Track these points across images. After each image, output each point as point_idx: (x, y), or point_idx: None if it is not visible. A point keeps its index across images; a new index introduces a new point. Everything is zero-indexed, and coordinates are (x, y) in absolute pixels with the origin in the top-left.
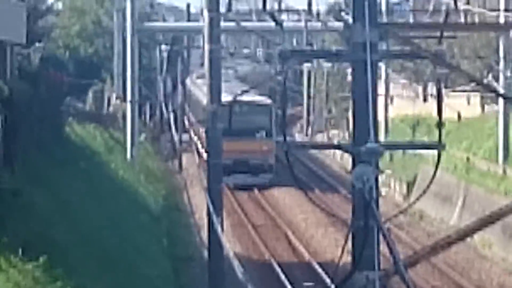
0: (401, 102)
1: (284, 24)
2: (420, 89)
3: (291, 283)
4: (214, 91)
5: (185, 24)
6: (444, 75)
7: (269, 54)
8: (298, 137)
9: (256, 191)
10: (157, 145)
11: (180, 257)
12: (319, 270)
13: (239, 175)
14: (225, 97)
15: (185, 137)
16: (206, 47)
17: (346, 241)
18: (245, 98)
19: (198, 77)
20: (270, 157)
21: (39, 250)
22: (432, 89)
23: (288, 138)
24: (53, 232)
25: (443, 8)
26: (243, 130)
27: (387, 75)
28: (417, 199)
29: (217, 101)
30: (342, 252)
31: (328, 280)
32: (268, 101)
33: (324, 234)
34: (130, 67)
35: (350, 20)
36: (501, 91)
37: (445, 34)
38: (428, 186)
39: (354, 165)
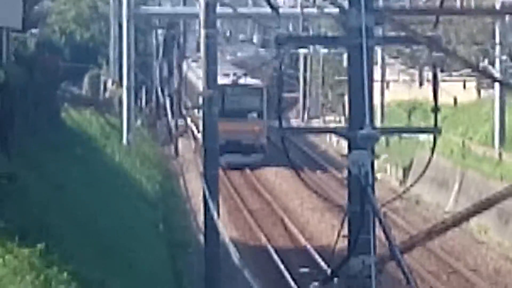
0: (397, 87)
1: (280, 9)
2: (416, 74)
3: (287, 269)
4: (210, 76)
5: (181, 8)
6: (440, 60)
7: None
8: (294, 123)
9: (253, 177)
10: (153, 130)
11: (176, 242)
12: (315, 255)
13: (231, 155)
14: (219, 80)
15: (181, 122)
16: (202, 32)
17: (342, 226)
18: (239, 81)
19: (194, 62)
20: (261, 138)
21: (36, 236)
22: (428, 74)
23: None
24: (49, 217)
25: None
26: (235, 111)
27: (383, 60)
28: (413, 184)
29: (213, 85)
30: (338, 237)
31: (324, 265)
32: (260, 83)
33: (320, 219)
34: (126, 52)
35: (346, 5)
36: (497, 76)
37: (441, 19)
38: (424, 171)
39: (350, 150)
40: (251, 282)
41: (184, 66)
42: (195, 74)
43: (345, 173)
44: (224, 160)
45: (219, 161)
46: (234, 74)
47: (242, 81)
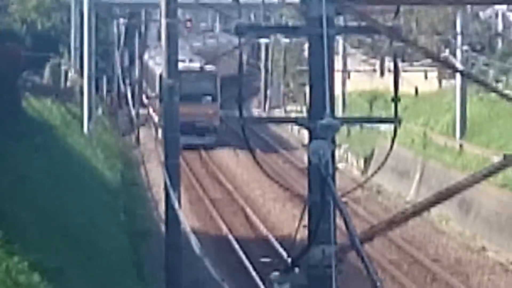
0: (358, 77)
1: None
2: (377, 64)
3: (248, 258)
4: (171, 65)
5: None
6: (401, 50)
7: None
8: (256, 112)
9: (214, 167)
10: (114, 120)
11: (137, 231)
12: (276, 244)
13: (186, 136)
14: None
15: (142, 111)
16: (163, 21)
17: (302, 216)
18: (192, 65)
19: (156, 53)
20: (214, 120)
21: None
22: (389, 64)
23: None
24: (10, 207)
25: None
26: (190, 95)
27: (344, 50)
28: (374, 173)
29: (174, 75)
30: (299, 226)
31: (285, 255)
32: (213, 68)
33: (282, 209)
34: (87, 41)
35: None
36: (458, 66)
37: (402, 8)
38: (384, 161)
39: (310, 139)
40: (211, 272)
41: (145, 55)
42: (156, 63)
43: (306, 162)
44: (192, 140)
45: (179, 150)
46: (190, 60)
47: (194, 65)
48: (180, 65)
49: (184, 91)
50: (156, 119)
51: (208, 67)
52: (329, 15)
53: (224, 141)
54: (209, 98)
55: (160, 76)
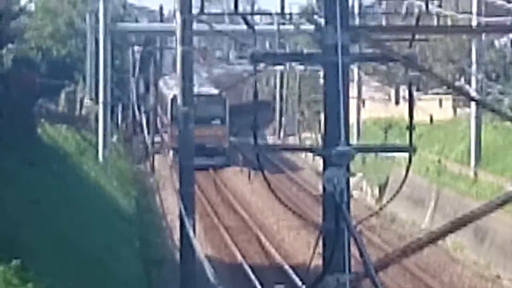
0: (373, 105)
1: (257, 26)
2: (392, 92)
3: (262, 285)
4: (187, 93)
5: (157, 25)
6: (416, 78)
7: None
8: (271, 139)
9: (229, 195)
10: (129, 147)
11: (152, 259)
12: (290, 272)
13: (196, 158)
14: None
15: (157, 139)
16: (179, 48)
17: (317, 244)
18: (202, 90)
19: (170, 79)
20: (224, 142)
21: (11, 252)
22: (404, 92)
23: (259, 141)
24: (25, 233)
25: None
26: (200, 118)
27: (359, 77)
28: (389, 201)
29: (190, 102)
30: (313, 254)
31: (299, 283)
32: (222, 92)
33: (296, 237)
34: (102, 69)
35: (322, 23)
36: (473, 94)
37: (417, 37)
38: (399, 189)
39: (325, 167)
40: None
41: (161, 83)
42: (169, 88)
43: (321, 190)
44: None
45: (194, 178)
46: (200, 85)
47: (204, 90)
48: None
49: (195, 114)
50: (170, 144)
51: (217, 92)
52: (344, 43)
53: (234, 162)
54: (219, 121)
55: (172, 99)
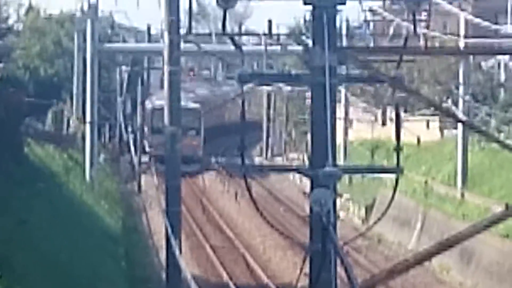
0: (360, 126)
1: (245, 47)
2: (379, 113)
3: None
4: (174, 113)
5: (145, 45)
6: (403, 100)
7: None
8: (258, 160)
9: (215, 214)
10: (116, 166)
11: (138, 278)
12: None
13: None
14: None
15: (144, 159)
16: (166, 68)
17: (303, 264)
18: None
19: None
20: (198, 150)
21: None
22: (391, 113)
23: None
24: (12, 252)
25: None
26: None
27: (346, 98)
28: (375, 222)
29: (177, 122)
30: (300, 275)
31: None
32: (198, 106)
33: (282, 257)
34: (90, 88)
35: (310, 44)
36: (461, 116)
37: (405, 58)
38: (386, 210)
39: (312, 188)
40: None
41: (148, 103)
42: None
43: (307, 211)
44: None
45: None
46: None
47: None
48: None
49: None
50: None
51: (193, 105)
52: (331, 64)
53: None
54: (194, 132)
55: (151, 111)
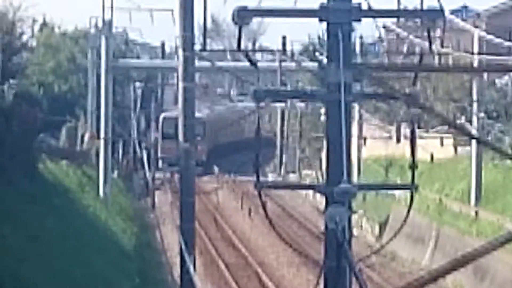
0: (374, 143)
1: (259, 63)
2: (393, 130)
3: None
4: (188, 130)
5: (159, 61)
6: (418, 116)
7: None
8: (271, 177)
9: (229, 231)
10: (130, 183)
11: None
12: None
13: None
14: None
15: (158, 175)
16: (180, 85)
17: (318, 282)
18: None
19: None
20: (202, 155)
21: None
22: (405, 130)
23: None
24: (24, 268)
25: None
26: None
27: (360, 115)
28: (390, 240)
29: (191, 139)
30: None
31: None
32: (202, 115)
33: (296, 274)
34: (104, 104)
35: (325, 60)
36: (474, 133)
37: (419, 75)
38: (400, 227)
39: (327, 205)
40: None
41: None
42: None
43: (321, 228)
44: (173, 169)
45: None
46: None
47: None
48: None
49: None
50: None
51: (198, 115)
52: (347, 81)
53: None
54: (199, 138)
55: (163, 119)
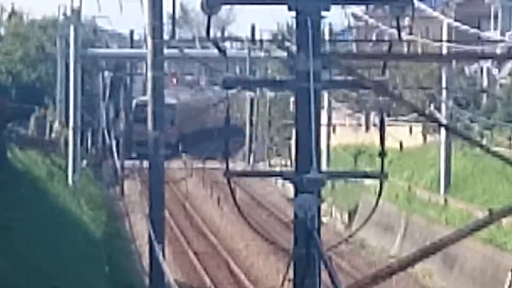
0: (343, 131)
1: (228, 52)
2: (362, 118)
3: None
4: (157, 118)
5: (128, 50)
6: (387, 105)
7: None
8: (241, 165)
9: (198, 219)
10: (99, 172)
11: (121, 284)
12: None
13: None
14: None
15: (128, 163)
16: (149, 73)
17: (287, 270)
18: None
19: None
20: (173, 138)
21: None
22: (374, 118)
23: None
24: None
25: (386, 38)
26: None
27: (329, 104)
28: (359, 228)
29: (160, 127)
30: (284, 280)
31: None
32: (174, 102)
33: (265, 262)
34: (72, 93)
35: (294, 49)
36: (443, 121)
37: (388, 64)
38: (370, 215)
39: (296, 194)
40: None
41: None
42: None
43: (290, 216)
44: (144, 151)
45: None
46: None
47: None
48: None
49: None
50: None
51: (170, 101)
52: (316, 69)
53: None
54: (170, 122)
55: (136, 105)
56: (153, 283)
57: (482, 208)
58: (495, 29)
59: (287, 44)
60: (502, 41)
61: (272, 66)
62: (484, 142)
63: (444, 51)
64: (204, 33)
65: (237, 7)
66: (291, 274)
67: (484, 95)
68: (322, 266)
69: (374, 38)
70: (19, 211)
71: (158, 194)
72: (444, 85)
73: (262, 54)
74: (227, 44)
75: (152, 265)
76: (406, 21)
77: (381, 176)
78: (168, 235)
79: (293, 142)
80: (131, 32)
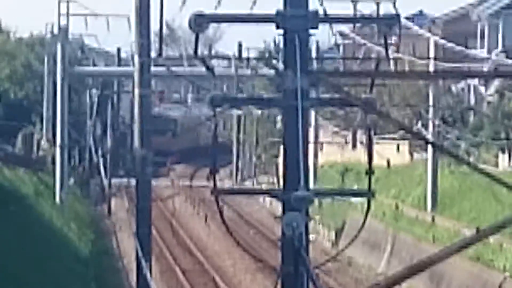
0: (330, 149)
1: (215, 70)
2: (349, 136)
3: None
4: (145, 136)
5: (115, 68)
6: (374, 123)
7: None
8: (227, 183)
9: (185, 237)
10: (86, 190)
11: None
12: None
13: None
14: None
15: (115, 181)
16: (136, 91)
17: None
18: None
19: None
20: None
21: None
22: (361, 136)
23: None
24: None
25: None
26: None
27: (316, 121)
28: (347, 246)
29: (147, 145)
30: None
31: None
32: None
33: (253, 280)
34: (60, 111)
35: (281, 67)
36: (430, 139)
37: (376, 81)
38: (358, 233)
39: (284, 211)
40: None
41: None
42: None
43: (278, 234)
44: None
45: (150, 219)
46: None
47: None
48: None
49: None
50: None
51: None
52: (303, 87)
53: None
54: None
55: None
56: None
57: (469, 226)
58: (482, 47)
59: (274, 62)
60: (488, 59)
61: (259, 84)
62: (471, 160)
63: (431, 69)
64: (191, 51)
65: (224, 25)
66: None
67: (471, 113)
68: (310, 284)
69: (361, 56)
70: (6, 229)
71: (145, 212)
72: (431, 102)
73: (249, 72)
74: (215, 62)
75: (139, 282)
76: (393, 39)
77: (369, 194)
78: (156, 252)
79: (280, 160)
80: (118, 50)
